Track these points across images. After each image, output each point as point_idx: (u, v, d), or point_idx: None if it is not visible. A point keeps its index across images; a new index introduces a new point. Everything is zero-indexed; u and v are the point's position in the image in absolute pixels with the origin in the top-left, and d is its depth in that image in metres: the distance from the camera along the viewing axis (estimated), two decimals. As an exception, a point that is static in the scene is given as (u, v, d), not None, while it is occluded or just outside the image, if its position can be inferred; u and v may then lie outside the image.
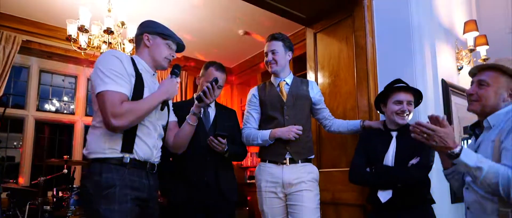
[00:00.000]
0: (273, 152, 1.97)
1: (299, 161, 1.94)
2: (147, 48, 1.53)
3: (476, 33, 2.62)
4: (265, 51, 2.06)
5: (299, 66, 4.15)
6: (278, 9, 2.70)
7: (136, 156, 1.40)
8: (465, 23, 2.66)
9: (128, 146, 1.38)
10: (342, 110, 2.55)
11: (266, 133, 1.95)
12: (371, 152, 1.81)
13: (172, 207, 1.97)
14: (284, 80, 2.07)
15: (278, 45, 2.02)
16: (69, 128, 4.66)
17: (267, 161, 1.98)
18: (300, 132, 1.90)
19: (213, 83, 1.68)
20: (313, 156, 2.03)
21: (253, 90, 2.14)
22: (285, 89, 2.04)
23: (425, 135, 1.22)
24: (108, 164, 1.34)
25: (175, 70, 1.61)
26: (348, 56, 2.57)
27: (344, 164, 2.46)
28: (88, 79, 4.71)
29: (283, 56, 2.03)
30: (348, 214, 2.39)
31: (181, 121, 1.80)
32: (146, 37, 1.53)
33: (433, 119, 1.23)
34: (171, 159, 2.01)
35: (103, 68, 1.33)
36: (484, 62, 1.43)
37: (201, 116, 2.03)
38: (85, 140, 4.65)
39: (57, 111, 4.65)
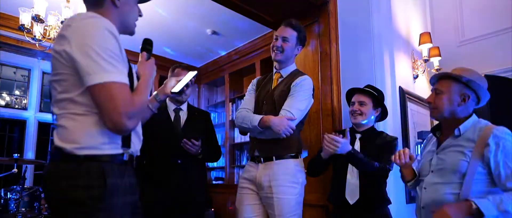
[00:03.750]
0: (249, 146, 1.91)
1: (274, 158, 1.76)
2: (116, 8, 1.14)
3: (430, 45, 2.81)
4: (275, 34, 1.87)
5: (266, 68, 4.20)
6: (246, 11, 2.71)
7: (134, 150, 1.14)
8: (421, 35, 2.84)
9: (127, 138, 1.10)
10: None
11: (256, 118, 1.75)
12: (335, 154, 1.85)
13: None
14: (280, 72, 1.91)
15: (292, 35, 1.84)
16: (20, 124, 4.34)
17: (249, 159, 1.90)
18: (291, 130, 1.68)
19: (193, 79, 1.49)
20: (294, 153, 1.81)
21: (254, 79, 2.06)
22: (277, 83, 1.90)
23: None
24: (111, 164, 1.03)
25: (148, 46, 1.30)
26: (313, 61, 2.64)
27: (307, 165, 2.52)
28: (43, 73, 4.43)
29: (292, 48, 1.86)
30: (311, 215, 2.46)
31: (154, 123, 1.76)
32: None
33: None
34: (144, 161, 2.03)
35: (99, 49, 0.98)
36: (441, 71, 1.56)
37: (172, 119, 2.08)
38: (39, 137, 4.37)
39: (7, 105, 4.32)
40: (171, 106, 2.13)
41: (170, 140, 1.98)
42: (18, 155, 3.33)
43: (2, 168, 3.98)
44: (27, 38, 3.06)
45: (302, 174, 1.82)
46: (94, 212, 0.98)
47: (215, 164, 5.37)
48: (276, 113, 1.76)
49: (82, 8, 3.14)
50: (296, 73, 1.89)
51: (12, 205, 3.01)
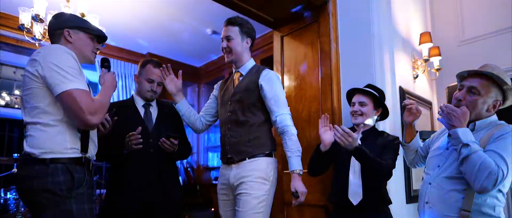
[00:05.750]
0: (221, 152, 1.89)
1: (247, 158, 1.75)
2: (70, 44, 1.47)
3: (430, 45, 2.81)
4: (221, 37, 1.89)
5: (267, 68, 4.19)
6: (246, 10, 2.71)
7: (90, 154, 1.43)
8: (421, 35, 2.84)
9: (85, 145, 1.39)
10: (307, 112, 2.62)
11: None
12: (336, 153, 1.83)
13: (114, 209, 1.89)
14: (239, 71, 1.89)
15: (234, 31, 1.82)
16: (20, 124, 4.34)
17: (223, 163, 1.89)
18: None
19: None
20: (268, 151, 1.80)
21: (217, 84, 2.11)
22: (238, 81, 1.87)
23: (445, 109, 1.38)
24: (74, 164, 1.31)
25: (106, 63, 1.64)
26: (313, 61, 2.64)
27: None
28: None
29: (239, 43, 1.83)
30: (311, 215, 2.46)
31: (125, 120, 1.83)
32: (66, 32, 1.47)
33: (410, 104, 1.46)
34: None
35: (62, 66, 1.29)
36: (478, 69, 1.43)
37: (142, 116, 2.00)
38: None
39: (7, 105, 4.31)
40: (139, 102, 2.04)
41: (142, 138, 1.84)
42: (18, 154, 3.33)
43: (2, 168, 3.97)
44: (27, 38, 3.06)
45: (274, 172, 1.79)
46: (66, 200, 1.25)
47: (215, 164, 5.38)
48: (242, 110, 1.78)
49: (82, 8, 3.15)
50: (257, 69, 1.86)
51: (12, 205, 3.01)
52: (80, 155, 1.35)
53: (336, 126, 1.67)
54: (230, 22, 1.83)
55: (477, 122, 1.42)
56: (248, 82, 1.81)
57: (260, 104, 1.81)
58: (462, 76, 1.48)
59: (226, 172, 1.81)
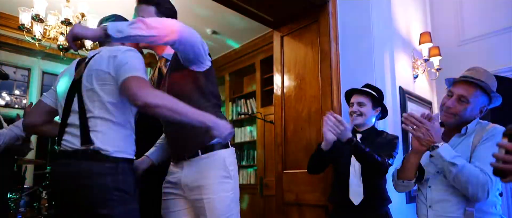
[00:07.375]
0: (171, 153, 1.55)
1: (200, 153, 1.42)
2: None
3: (430, 45, 2.81)
4: None
5: (267, 68, 4.21)
6: (246, 10, 2.71)
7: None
8: (421, 35, 2.84)
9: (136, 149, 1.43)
10: (307, 112, 2.62)
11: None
12: (335, 151, 1.83)
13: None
14: (163, 57, 1.57)
15: (148, 11, 1.48)
16: (20, 124, 4.34)
17: (172, 159, 1.55)
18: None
19: None
20: (220, 140, 1.36)
21: None
22: (164, 68, 1.53)
23: (414, 126, 1.36)
24: (131, 164, 1.36)
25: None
26: (313, 61, 2.64)
27: (307, 165, 2.52)
28: (43, 72, 4.42)
29: None
30: (311, 215, 2.46)
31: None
32: None
33: (424, 116, 1.38)
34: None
35: (137, 65, 1.25)
36: (467, 76, 1.47)
37: None
38: (38, 137, 4.38)
39: (7, 105, 4.32)
40: None
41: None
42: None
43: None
44: (27, 38, 3.07)
45: (234, 165, 1.46)
46: (133, 199, 1.30)
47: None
48: (181, 95, 1.36)
49: (82, 8, 3.15)
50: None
51: (12, 205, 3.01)
52: (134, 157, 1.39)
53: (328, 114, 1.69)
54: (143, 0, 1.48)
55: (468, 126, 1.46)
56: (178, 65, 1.46)
57: (196, 88, 1.47)
58: (453, 83, 1.52)
59: (176, 170, 1.48)
